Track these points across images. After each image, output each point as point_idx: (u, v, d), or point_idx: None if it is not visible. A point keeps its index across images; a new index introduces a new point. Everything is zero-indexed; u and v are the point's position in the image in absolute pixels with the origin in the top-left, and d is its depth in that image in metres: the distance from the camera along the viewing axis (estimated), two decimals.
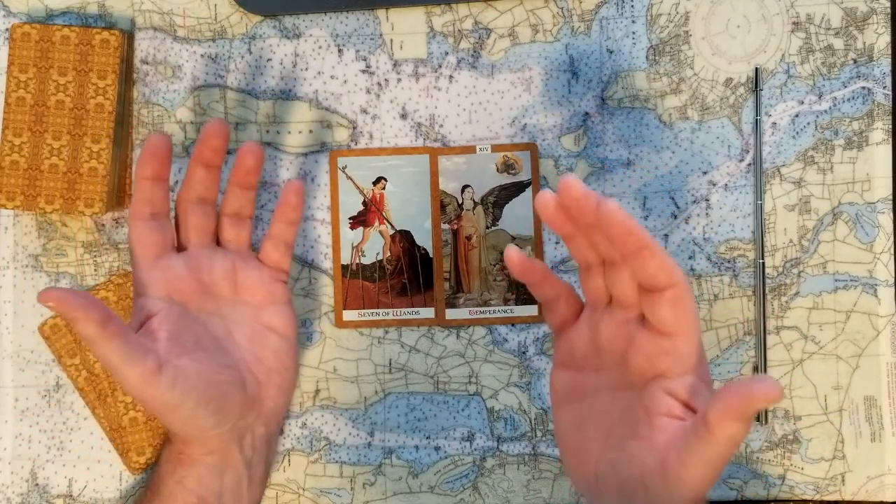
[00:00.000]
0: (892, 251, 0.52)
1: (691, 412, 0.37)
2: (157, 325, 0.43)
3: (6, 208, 0.50)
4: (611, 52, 0.53)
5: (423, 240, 0.53)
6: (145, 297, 0.45)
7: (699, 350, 0.38)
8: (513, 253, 0.41)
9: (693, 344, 0.37)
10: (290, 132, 0.53)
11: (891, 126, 0.53)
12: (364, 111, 0.53)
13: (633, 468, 0.38)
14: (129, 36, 0.53)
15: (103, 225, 0.53)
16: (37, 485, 0.53)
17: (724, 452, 0.34)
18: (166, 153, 0.45)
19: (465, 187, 0.53)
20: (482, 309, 0.53)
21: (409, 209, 0.53)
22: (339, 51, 0.53)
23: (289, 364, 0.48)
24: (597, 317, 0.40)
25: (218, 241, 0.48)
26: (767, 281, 0.52)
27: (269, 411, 0.47)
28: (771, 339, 0.52)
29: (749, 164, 0.53)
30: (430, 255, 0.53)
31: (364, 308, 0.53)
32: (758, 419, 0.52)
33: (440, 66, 0.53)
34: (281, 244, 0.48)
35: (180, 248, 0.47)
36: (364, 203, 0.53)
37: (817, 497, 0.52)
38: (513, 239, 0.53)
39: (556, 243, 0.53)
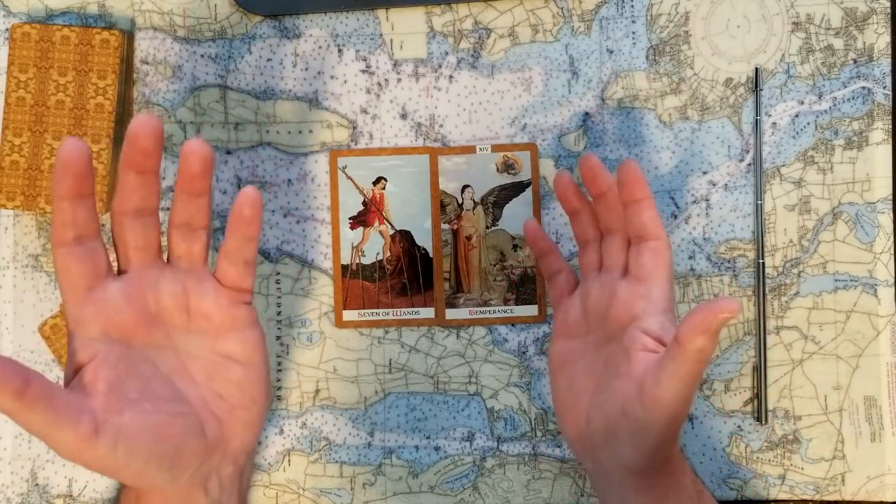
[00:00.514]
0: (892, 251, 0.52)
1: (663, 346, 0.41)
2: (92, 374, 0.37)
3: (6, 208, 0.50)
4: (611, 52, 0.53)
5: (423, 240, 0.53)
6: (78, 338, 0.38)
7: (670, 298, 0.44)
8: (531, 221, 0.50)
9: (666, 291, 0.43)
10: (290, 132, 0.53)
11: (891, 126, 0.53)
12: (364, 111, 0.53)
13: (616, 400, 0.42)
14: (129, 36, 0.53)
15: (103, 225, 0.53)
16: (37, 485, 0.53)
17: (693, 369, 0.38)
18: (84, 165, 0.36)
19: (465, 187, 0.53)
20: (482, 309, 0.53)
21: (409, 209, 0.53)
22: (339, 51, 0.53)
23: (257, 396, 0.42)
24: (588, 284, 0.47)
25: (168, 256, 0.42)
26: (767, 281, 0.52)
27: (237, 450, 0.42)
28: (771, 339, 0.52)
29: (749, 164, 0.53)
30: (430, 255, 0.53)
31: (364, 308, 0.53)
32: (758, 419, 0.52)
33: (440, 66, 0.53)
34: (239, 262, 0.41)
35: (120, 270, 0.40)
36: (364, 203, 0.53)
37: (817, 497, 0.52)
38: (512, 239, 0.53)
39: (556, 243, 0.53)
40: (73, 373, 0.38)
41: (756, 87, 0.52)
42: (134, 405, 0.37)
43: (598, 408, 0.44)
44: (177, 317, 0.40)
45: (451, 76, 0.53)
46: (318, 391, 0.53)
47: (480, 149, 0.53)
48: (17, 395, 0.32)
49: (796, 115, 0.53)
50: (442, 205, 0.53)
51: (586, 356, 0.46)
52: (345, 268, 0.53)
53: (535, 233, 0.50)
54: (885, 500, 0.52)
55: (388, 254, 0.53)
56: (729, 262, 0.53)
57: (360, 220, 0.53)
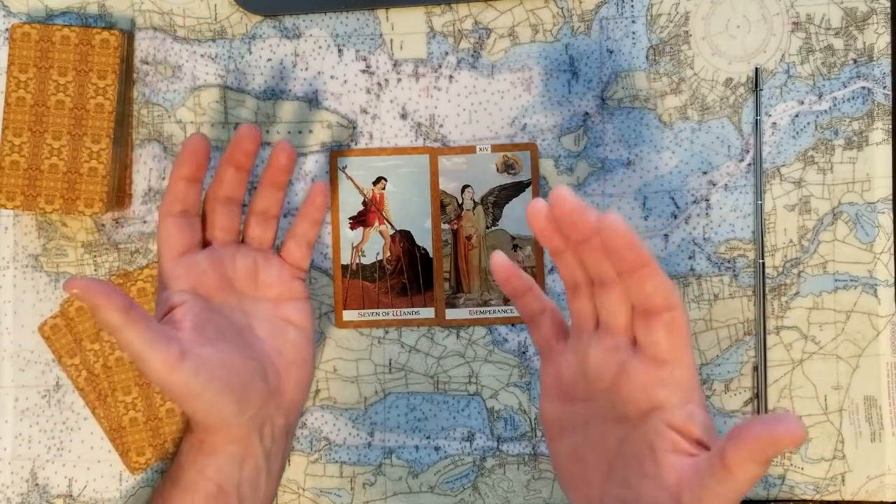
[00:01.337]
0: (892, 251, 0.52)
1: (700, 446, 0.36)
2: (180, 315, 0.44)
3: (6, 208, 0.50)
4: (611, 52, 0.53)
5: (423, 240, 0.53)
6: (170, 290, 0.45)
7: (696, 378, 0.36)
8: (499, 259, 0.40)
9: (691, 371, 0.36)
10: (290, 132, 0.53)
11: (891, 126, 0.53)
12: (364, 111, 0.53)
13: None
14: (129, 36, 0.53)
15: (103, 225, 0.53)
16: (37, 485, 0.53)
17: (742, 490, 0.33)
18: (205, 155, 0.46)
19: (465, 187, 0.53)
20: (482, 309, 0.53)
21: (409, 209, 0.53)
22: (339, 51, 0.53)
23: (307, 357, 0.49)
24: (584, 342, 0.39)
25: (243, 237, 0.49)
26: (767, 281, 0.52)
27: (289, 403, 0.48)
28: (771, 339, 0.52)
29: (749, 164, 0.53)
30: (430, 255, 0.53)
31: (364, 308, 0.53)
32: None
33: (440, 66, 0.53)
34: (303, 243, 0.49)
35: (205, 243, 0.48)
36: (364, 203, 0.53)
37: (817, 497, 0.52)
38: (513, 239, 0.53)
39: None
40: (162, 316, 0.44)
41: (756, 87, 0.52)
42: (213, 342, 0.44)
43: (617, 501, 0.38)
44: (247, 285, 0.48)
45: (451, 76, 0.53)
46: (318, 391, 0.53)
47: (480, 149, 0.53)
48: (124, 312, 0.39)
49: (796, 115, 0.53)
50: (442, 205, 0.53)
51: (591, 426, 0.39)
52: (345, 268, 0.53)
53: (506, 272, 0.40)
54: (885, 500, 0.52)
55: (388, 254, 0.53)
56: (729, 262, 0.53)
57: (360, 220, 0.53)
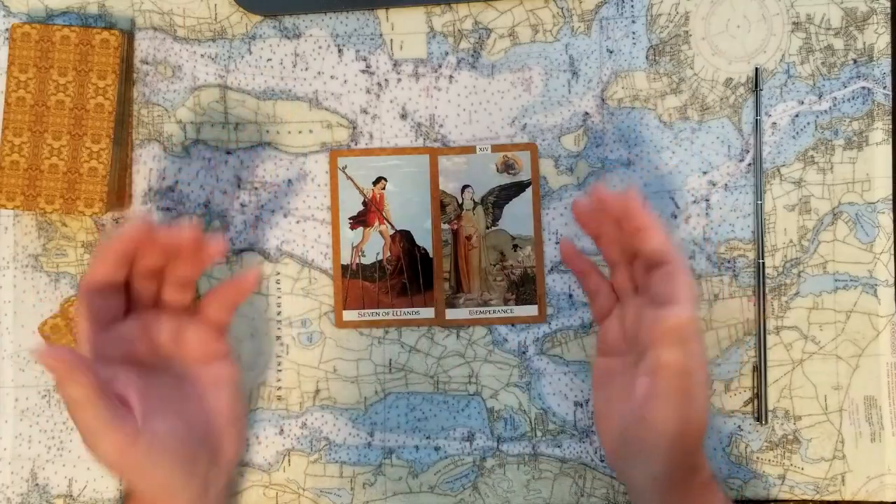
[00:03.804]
0: (892, 251, 0.52)
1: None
2: (121, 388, 0.42)
3: (6, 208, 0.50)
4: (611, 52, 0.53)
5: (423, 240, 0.53)
6: (101, 363, 0.43)
7: (695, 320, 0.43)
8: (566, 245, 0.51)
9: (689, 313, 0.42)
10: (290, 132, 0.53)
11: (891, 126, 0.53)
12: (364, 111, 0.53)
13: (627, 422, 0.45)
14: (129, 36, 0.53)
15: (103, 225, 0.53)
16: (37, 485, 0.53)
17: (667, 384, 0.42)
18: (140, 242, 0.43)
19: (465, 187, 0.53)
20: (482, 309, 0.53)
21: (409, 209, 0.53)
22: (339, 51, 0.53)
23: (240, 413, 0.49)
24: (625, 307, 0.48)
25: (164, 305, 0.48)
26: (767, 281, 0.52)
27: (228, 462, 0.48)
28: (771, 339, 0.52)
29: (749, 164, 0.53)
30: (430, 255, 0.53)
31: (364, 308, 0.53)
32: (758, 419, 0.52)
33: (440, 66, 0.53)
34: (224, 308, 0.47)
35: (129, 311, 0.46)
36: (364, 203, 0.53)
37: (817, 497, 0.52)
38: (512, 239, 0.53)
39: (556, 244, 0.53)
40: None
41: (756, 87, 0.52)
42: (159, 415, 0.43)
43: (625, 428, 0.46)
44: (173, 348, 0.47)
45: (451, 76, 0.53)
46: (318, 391, 0.53)
47: (480, 149, 0.53)
48: (90, 388, 0.39)
49: (796, 115, 0.53)
50: (442, 205, 0.53)
51: (624, 376, 0.47)
52: (345, 268, 0.53)
53: (570, 253, 0.50)
54: (885, 500, 0.52)
55: (388, 254, 0.53)
56: (729, 262, 0.53)
57: (360, 220, 0.53)
